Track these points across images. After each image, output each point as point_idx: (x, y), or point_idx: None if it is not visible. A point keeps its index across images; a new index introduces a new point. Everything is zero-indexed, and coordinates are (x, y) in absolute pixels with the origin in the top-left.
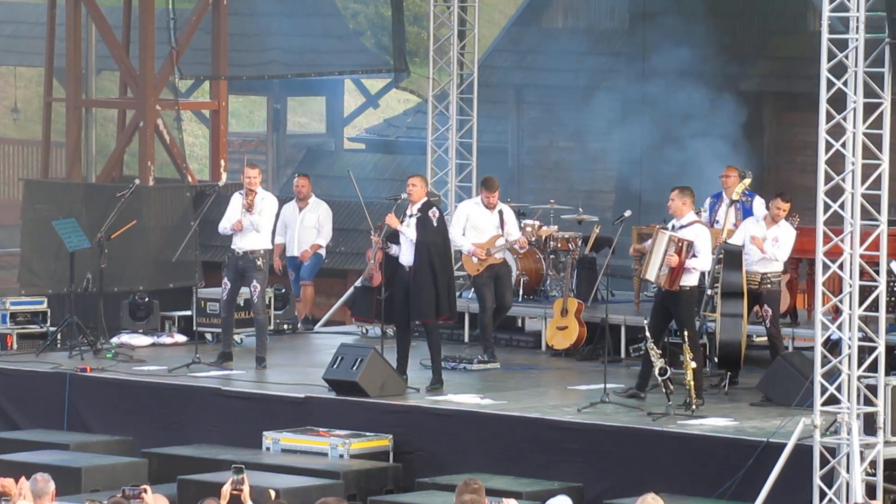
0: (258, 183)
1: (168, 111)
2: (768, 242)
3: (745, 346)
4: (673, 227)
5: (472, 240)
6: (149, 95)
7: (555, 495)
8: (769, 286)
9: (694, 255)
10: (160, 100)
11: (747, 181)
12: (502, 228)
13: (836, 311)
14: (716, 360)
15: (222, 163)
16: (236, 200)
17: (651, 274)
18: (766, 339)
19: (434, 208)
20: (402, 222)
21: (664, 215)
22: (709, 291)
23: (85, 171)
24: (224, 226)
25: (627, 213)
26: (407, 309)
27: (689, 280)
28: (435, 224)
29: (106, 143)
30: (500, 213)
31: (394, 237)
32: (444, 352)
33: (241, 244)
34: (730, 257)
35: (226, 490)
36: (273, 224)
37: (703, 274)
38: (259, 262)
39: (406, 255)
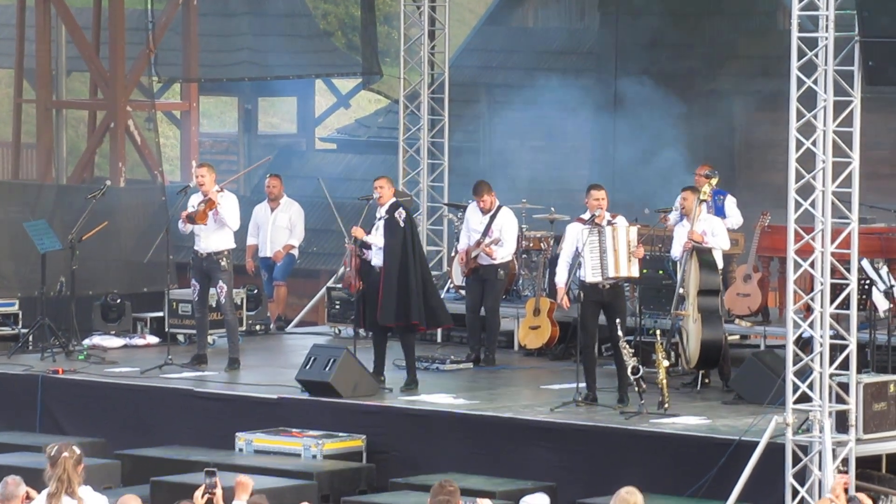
0: (211, 182)
1: (139, 112)
2: (708, 237)
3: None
4: (608, 222)
5: (471, 242)
6: (119, 96)
7: (530, 493)
8: None
9: None
10: (131, 101)
11: (714, 181)
12: (486, 232)
13: (808, 310)
14: (687, 360)
15: (193, 164)
16: (194, 201)
17: (623, 270)
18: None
19: (401, 209)
20: (373, 226)
21: (636, 213)
22: (680, 290)
23: (56, 173)
24: (183, 229)
25: (598, 212)
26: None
27: None
28: (402, 224)
29: (77, 145)
30: (493, 216)
31: (368, 243)
32: (418, 352)
33: (204, 245)
34: (703, 256)
35: (199, 494)
36: (238, 220)
37: (675, 272)
38: (223, 263)
39: (377, 257)
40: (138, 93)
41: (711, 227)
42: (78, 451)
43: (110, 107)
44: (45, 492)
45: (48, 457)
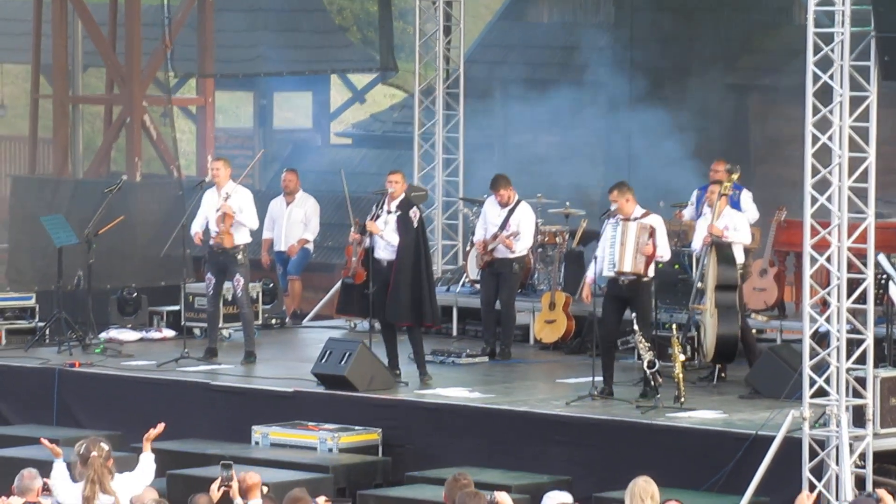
0: (225, 176)
1: (155, 107)
2: (729, 232)
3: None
4: (634, 218)
5: (488, 236)
6: (135, 91)
7: (552, 490)
8: None
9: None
10: (147, 96)
11: (735, 176)
12: (504, 225)
13: (824, 304)
14: (703, 354)
15: (209, 158)
16: (208, 200)
17: (627, 265)
18: (754, 331)
19: (415, 208)
20: (378, 216)
21: (652, 209)
22: (699, 284)
23: (72, 168)
24: (196, 230)
25: (614, 207)
26: (385, 308)
27: (651, 271)
28: (416, 225)
29: (93, 140)
30: (511, 210)
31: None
32: (433, 345)
33: (221, 240)
34: (721, 251)
35: (215, 487)
36: (256, 218)
37: (691, 266)
38: (240, 257)
39: (382, 250)
40: (154, 88)
41: (733, 222)
42: (106, 448)
43: (126, 102)
44: (78, 490)
45: (77, 454)
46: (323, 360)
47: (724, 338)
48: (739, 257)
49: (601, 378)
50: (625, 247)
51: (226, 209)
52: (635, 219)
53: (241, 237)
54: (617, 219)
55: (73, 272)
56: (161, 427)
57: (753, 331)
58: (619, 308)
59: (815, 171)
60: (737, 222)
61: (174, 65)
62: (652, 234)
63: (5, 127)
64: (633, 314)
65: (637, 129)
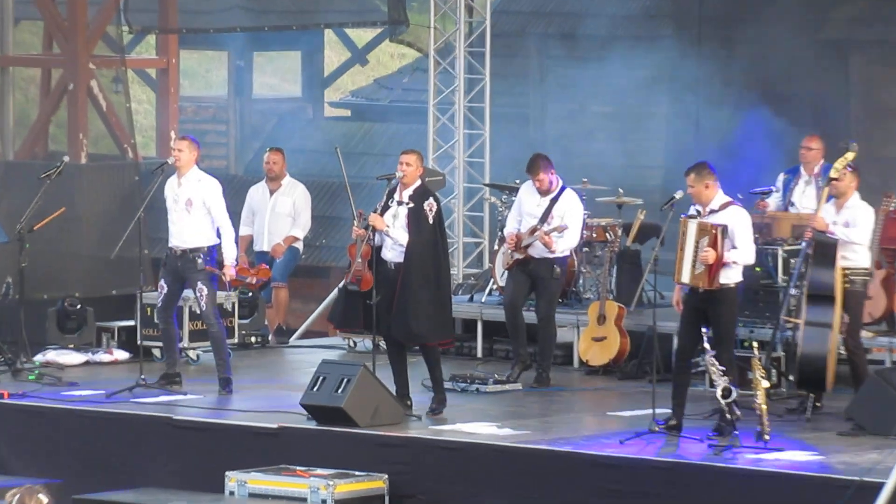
0: (189, 160)
1: (105, 70)
2: (837, 228)
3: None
4: (699, 214)
5: (523, 229)
6: (80, 51)
7: None
8: (848, 286)
9: (732, 246)
10: (94, 56)
11: (850, 155)
12: (544, 218)
13: None
14: (792, 377)
15: (172, 134)
16: (172, 187)
17: (685, 276)
18: None
19: (430, 199)
20: (388, 208)
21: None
22: (792, 291)
23: (0, 147)
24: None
25: (679, 195)
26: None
27: (731, 276)
28: (431, 221)
29: (27, 111)
30: (554, 199)
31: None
32: (453, 369)
33: (179, 241)
34: (821, 250)
35: None
36: (229, 223)
37: (776, 269)
38: (200, 261)
39: (390, 250)
40: (104, 46)
41: (853, 215)
42: (45, 500)
43: (69, 64)
44: None
45: None
46: (315, 389)
47: (806, 359)
48: (862, 260)
49: (667, 409)
50: (683, 252)
51: (230, 276)
52: (712, 211)
53: (205, 237)
54: (694, 208)
55: (2, 279)
56: None
57: None
58: (698, 321)
59: None
60: (857, 216)
61: (128, 17)
62: (716, 237)
63: None
64: (707, 329)
65: (706, 97)
